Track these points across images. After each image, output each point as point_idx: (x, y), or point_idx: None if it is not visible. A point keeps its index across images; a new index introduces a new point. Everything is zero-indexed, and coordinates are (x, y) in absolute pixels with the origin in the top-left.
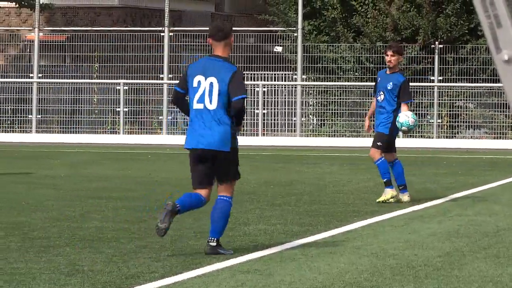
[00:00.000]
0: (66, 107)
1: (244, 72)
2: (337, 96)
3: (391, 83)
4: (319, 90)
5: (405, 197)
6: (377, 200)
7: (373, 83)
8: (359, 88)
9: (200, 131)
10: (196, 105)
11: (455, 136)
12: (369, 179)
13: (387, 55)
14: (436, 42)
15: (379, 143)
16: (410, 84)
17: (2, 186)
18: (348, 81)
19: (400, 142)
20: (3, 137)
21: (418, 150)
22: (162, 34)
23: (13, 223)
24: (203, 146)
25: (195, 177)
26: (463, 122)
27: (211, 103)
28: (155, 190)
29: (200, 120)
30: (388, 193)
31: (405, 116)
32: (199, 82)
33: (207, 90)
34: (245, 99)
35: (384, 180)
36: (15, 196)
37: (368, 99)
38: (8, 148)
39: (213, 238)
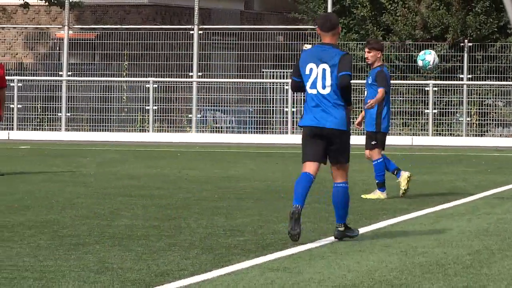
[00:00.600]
0: (95, 105)
1: (273, 70)
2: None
3: (370, 78)
4: None
5: (382, 195)
6: (362, 196)
7: (402, 81)
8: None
9: (316, 113)
10: (310, 90)
11: (484, 134)
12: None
13: (365, 52)
14: (466, 40)
15: (372, 142)
16: (440, 82)
17: (32, 184)
18: None
19: (430, 140)
20: (32, 135)
21: (448, 148)
22: (191, 32)
23: (43, 221)
24: (320, 125)
25: (309, 152)
26: (492, 120)
27: (323, 88)
28: (184, 188)
29: (314, 104)
30: (377, 194)
31: (430, 56)
32: (311, 69)
33: (319, 76)
34: (351, 77)
35: (377, 181)
36: (44, 194)
37: (397, 97)
38: (37, 146)
39: (340, 224)
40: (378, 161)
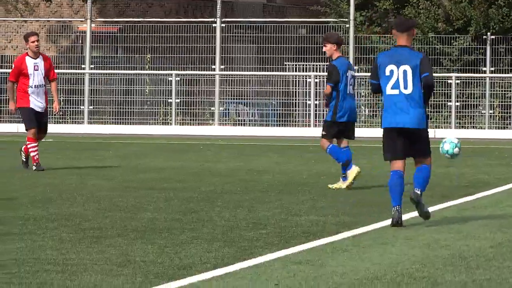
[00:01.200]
0: (118, 98)
1: (295, 63)
2: None
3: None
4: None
5: (344, 184)
6: (345, 186)
7: None
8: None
9: (398, 114)
10: (390, 91)
11: (507, 127)
12: None
13: (323, 46)
14: (488, 33)
15: (323, 132)
16: (463, 75)
17: (55, 178)
18: None
19: (452, 133)
20: (55, 128)
21: (470, 141)
22: (214, 25)
23: (65, 214)
24: (402, 126)
25: (393, 151)
26: None
27: (406, 88)
28: (207, 181)
29: (395, 104)
30: (352, 173)
31: (449, 145)
32: (391, 71)
33: (401, 77)
34: (433, 77)
35: (341, 163)
36: (67, 187)
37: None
38: (60, 139)
39: (418, 189)
40: (329, 148)
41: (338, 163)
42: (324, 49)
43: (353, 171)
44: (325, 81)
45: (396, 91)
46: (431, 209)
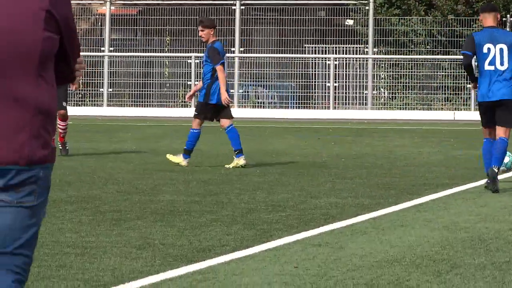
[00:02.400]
0: (137, 80)
1: (315, 46)
2: (408, 69)
3: (205, 55)
4: (390, 63)
5: (240, 161)
6: (241, 163)
7: (444, 56)
8: (430, 61)
9: (493, 87)
10: (488, 67)
11: None
12: (440, 152)
13: (199, 31)
14: (508, 15)
15: (195, 113)
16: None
17: (73, 160)
18: (419, 54)
19: (472, 115)
20: (74, 110)
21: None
22: (233, 7)
23: (84, 196)
24: (495, 98)
25: (486, 120)
26: None
27: (502, 65)
28: (226, 163)
29: (490, 79)
30: (239, 162)
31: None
32: (488, 49)
33: (497, 55)
34: None
35: (185, 148)
36: (86, 170)
37: (439, 72)
38: (79, 122)
39: (495, 166)
40: (194, 131)
41: (186, 148)
42: (200, 33)
43: (240, 161)
44: (204, 63)
45: (492, 67)
46: (450, 191)
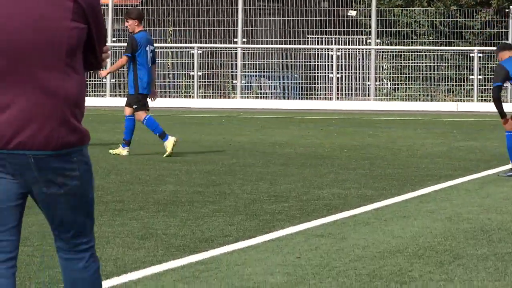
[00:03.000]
0: None
1: (317, 36)
2: (411, 60)
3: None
4: (393, 54)
5: (124, 152)
6: (125, 153)
7: (447, 47)
8: (433, 52)
9: None
10: None
11: None
12: (442, 143)
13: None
14: (511, 6)
15: (134, 106)
16: (485, 48)
17: None
18: (422, 45)
19: (474, 106)
20: None
21: (492, 114)
22: None
23: None
24: None
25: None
26: None
27: None
28: (229, 154)
29: None
30: (169, 143)
31: None
32: None
33: None
34: None
35: (158, 134)
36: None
37: (442, 63)
38: None
39: None
40: (146, 118)
41: (155, 134)
42: (127, 24)
43: (170, 142)
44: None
45: None
46: (453, 182)
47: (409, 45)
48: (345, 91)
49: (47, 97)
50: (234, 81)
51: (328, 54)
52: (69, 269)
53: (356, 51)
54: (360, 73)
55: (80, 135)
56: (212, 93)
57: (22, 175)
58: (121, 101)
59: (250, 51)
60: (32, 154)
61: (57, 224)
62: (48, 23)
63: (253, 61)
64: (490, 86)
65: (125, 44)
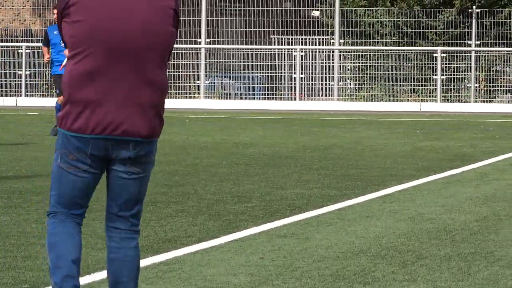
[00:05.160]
0: None
1: (281, 37)
2: (375, 60)
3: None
4: (356, 54)
5: None
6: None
7: (410, 48)
8: (396, 52)
9: None
10: None
11: (492, 100)
12: (406, 143)
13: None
14: (474, 7)
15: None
16: (449, 48)
17: (40, 151)
18: (385, 46)
19: (438, 106)
20: (40, 101)
21: (456, 114)
22: None
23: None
24: None
25: None
26: (500, 87)
27: None
28: (192, 155)
29: None
30: None
31: None
32: None
33: None
34: None
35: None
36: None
37: (406, 63)
38: (45, 113)
39: None
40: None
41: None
42: (54, 17)
43: None
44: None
45: None
46: (416, 182)
47: (372, 46)
48: (309, 92)
49: (150, 88)
50: (197, 82)
51: (292, 54)
52: (123, 248)
53: (320, 52)
54: (324, 74)
55: (162, 125)
56: (176, 94)
57: (117, 157)
58: None
59: (213, 52)
60: (133, 140)
61: (122, 202)
62: (156, 27)
63: (217, 62)
64: (453, 86)
65: None
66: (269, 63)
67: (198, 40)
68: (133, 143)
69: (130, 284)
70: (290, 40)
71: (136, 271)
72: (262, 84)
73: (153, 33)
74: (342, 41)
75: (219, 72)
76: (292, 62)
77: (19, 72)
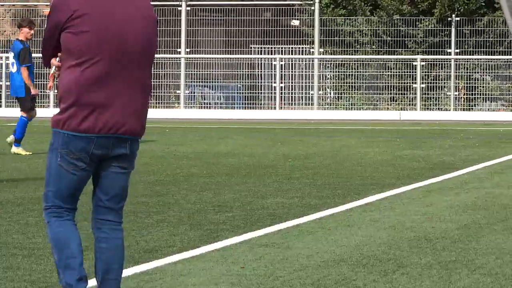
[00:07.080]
0: None
1: (261, 46)
2: (354, 69)
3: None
4: (336, 63)
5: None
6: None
7: (390, 56)
8: (376, 61)
9: None
10: None
11: (472, 108)
12: (386, 152)
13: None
14: (453, 15)
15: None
16: (428, 56)
17: (20, 161)
18: (365, 55)
19: (417, 115)
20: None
21: (435, 123)
22: (179, 8)
23: (31, 198)
24: None
25: None
26: (480, 95)
27: None
28: (173, 164)
29: None
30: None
31: None
32: None
33: None
34: None
35: (18, 137)
36: (33, 171)
37: (385, 72)
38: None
39: None
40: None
41: (15, 132)
42: (31, 32)
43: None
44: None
45: None
46: (397, 191)
47: (352, 54)
48: (289, 101)
49: (143, 92)
50: (177, 91)
51: (272, 63)
52: (113, 238)
53: (299, 61)
54: (304, 83)
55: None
56: (156, 103)
57: (114, 154)
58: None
59: (193, 61)
60: (130, 139)
61: (113, 195)
62: (149, 36)
63: (197, 71)
64: (434, 95)
65: None
66: (249, 73)
67: (178, 49)
68: (130, 141)
69: (120, 270)
70: (270, 49)
71: (123, 259)
72: (242, 93)
73: (147, 42)
74: (322, 50)
75: (199, 82)
76: (272, 71)
77: None
